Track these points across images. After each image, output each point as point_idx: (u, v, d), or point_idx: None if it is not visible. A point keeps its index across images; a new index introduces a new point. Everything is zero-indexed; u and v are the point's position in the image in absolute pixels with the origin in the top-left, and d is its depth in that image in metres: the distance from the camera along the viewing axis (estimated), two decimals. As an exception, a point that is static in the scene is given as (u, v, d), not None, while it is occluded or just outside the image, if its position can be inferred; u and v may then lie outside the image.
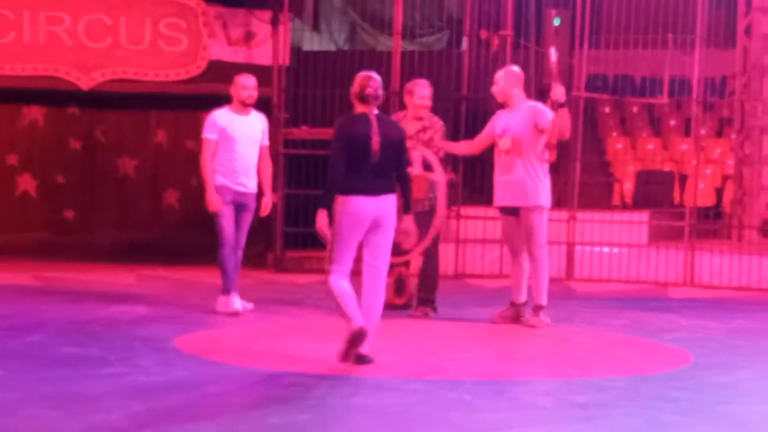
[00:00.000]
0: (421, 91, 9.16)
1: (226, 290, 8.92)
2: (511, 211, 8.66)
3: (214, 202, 8.86)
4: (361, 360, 6.72)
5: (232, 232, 8.93)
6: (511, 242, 8.75)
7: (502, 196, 8.70)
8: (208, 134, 8.94)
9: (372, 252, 6.78)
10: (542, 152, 8.54)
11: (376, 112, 6.76)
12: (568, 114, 8.45)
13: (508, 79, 8.69)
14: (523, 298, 8.71)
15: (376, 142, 6.59)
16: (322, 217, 6.64)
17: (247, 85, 9.02)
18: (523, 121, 8.57)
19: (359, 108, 6.79)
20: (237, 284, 9.01)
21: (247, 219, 9.04)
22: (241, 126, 8.95)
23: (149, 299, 9.64)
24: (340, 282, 6.70)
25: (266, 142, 9.15)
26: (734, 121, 14.01)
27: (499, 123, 8.73)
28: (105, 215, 13.69)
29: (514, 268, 8.77)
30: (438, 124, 9.18)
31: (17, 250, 12.86)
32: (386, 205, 6.71)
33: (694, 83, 12.41)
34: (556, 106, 8.36)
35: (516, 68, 8.90)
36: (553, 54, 8.62)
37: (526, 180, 8.54)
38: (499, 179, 8.70)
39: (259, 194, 9.11)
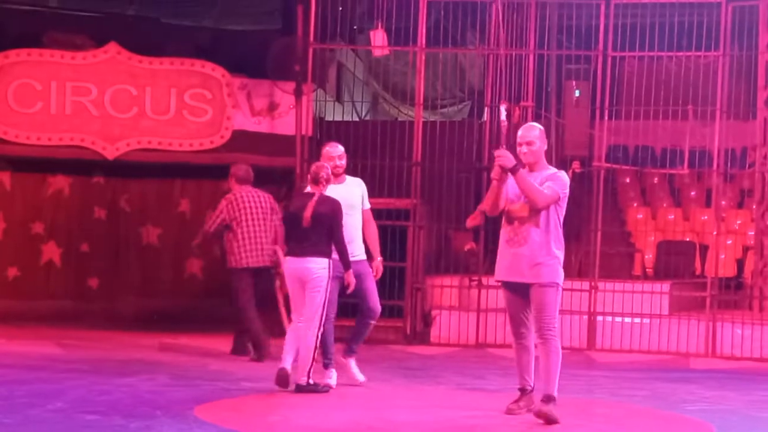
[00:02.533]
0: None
1: (326, 365, 8.67)
2: (518, 288, 7.55)
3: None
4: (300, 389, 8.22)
5: (332, 309, 8.60)
6: (517, 322, 7.62)
7: (510, 271, 7.54)
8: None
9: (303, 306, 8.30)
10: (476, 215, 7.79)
11: (322, 191, 8.32)
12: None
13: (542, 138, 7.56)
14: (533, 382, 7.64)
15: (307, 215, 8.20)
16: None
17: (332, 155, 8.77)
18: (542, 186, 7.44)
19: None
20: (357, 349, 8.87)
21: (370, 284, 8.69)
22: (337, 196, 8.54)
23: (171, 367, 9.66)
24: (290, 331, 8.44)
25: (368, 206, 8.92)
26: (755, 192, 14.00)
27: (513, 186, 7.48)
28: (128, 283, 13.79)
29: (520, 352, 7.65)
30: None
31: (41, 317, 12.93)
32: (306, 265, 8.21)
33: (715, 154, 12.43)
34: (500, 173, 7.35)
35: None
36: (503, 111, 7.71)
37: (541, 254, 7.41)
38: (509, 251, 7.51)
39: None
